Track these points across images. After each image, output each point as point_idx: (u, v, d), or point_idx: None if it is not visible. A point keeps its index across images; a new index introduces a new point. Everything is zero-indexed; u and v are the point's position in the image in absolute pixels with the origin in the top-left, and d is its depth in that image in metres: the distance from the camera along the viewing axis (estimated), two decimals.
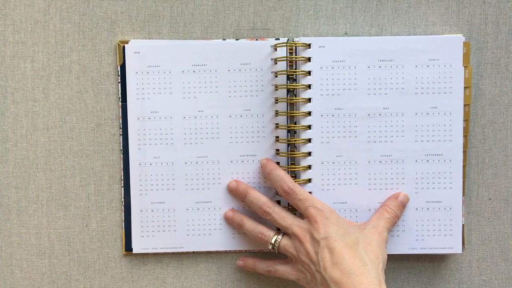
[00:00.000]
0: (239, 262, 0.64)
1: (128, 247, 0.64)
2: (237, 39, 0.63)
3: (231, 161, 0.64)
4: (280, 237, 0.60)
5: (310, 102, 0.62)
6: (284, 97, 0.63)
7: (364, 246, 0.55)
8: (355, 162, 0.62)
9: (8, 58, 0.64)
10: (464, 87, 0.62)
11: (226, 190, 0.64)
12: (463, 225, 0.64)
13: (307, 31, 0.64)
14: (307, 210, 0.58)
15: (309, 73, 0.62)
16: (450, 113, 0.62)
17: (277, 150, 0.63)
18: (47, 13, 0.64)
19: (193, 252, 0.65)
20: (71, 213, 0.65)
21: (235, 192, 0.63)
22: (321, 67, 0.62)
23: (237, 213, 0.63)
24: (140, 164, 0.64)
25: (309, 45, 0.62)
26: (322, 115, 0.62)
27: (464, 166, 0.63)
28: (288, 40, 0.63)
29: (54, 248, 0.65)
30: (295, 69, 0.62)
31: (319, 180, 0.62)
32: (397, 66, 0.62)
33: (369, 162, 0.62)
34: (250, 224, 0.62)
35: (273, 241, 0.60)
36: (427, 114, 0.62)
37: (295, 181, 0.61)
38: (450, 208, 0.63)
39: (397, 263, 0.65)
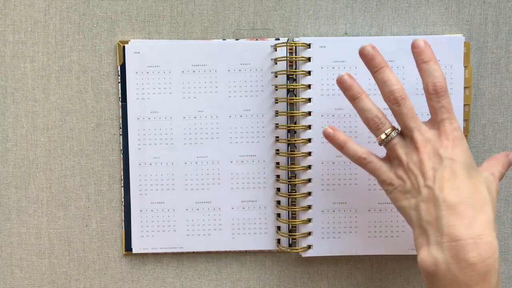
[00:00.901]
0: (328, 129, 0.55)
1: (128, 247, 0.65)
2: (237, 39, 0.63)
3: (231, 161, 0.64)
4: (395, 133, 0.52)
5: (310, 102, 0.62)
6: (284, 97, 0.63)
7: (486, 188, 0.50)
8: None
9: (8, 58, 0.64)
10: (464, 87, 0.62)
11: (226, 190, 0.64)
12: None
13: (307, 31, 0.64)
14: (443, 122, 0.51)
15: (309, 73, 0.62)
16: None
17: (277, 150, 0.63)
18: (47, 13, 0.64)
19: (193, 252, 0.65)
20: (71, 213, 0.65)
21: (370, 60, 0.53)
22: (322, 67, 0.62)
23: (357, 84, 0.54)
24: (140, 164, 0.64)
25: (309, 45, 0.62)
26: (322, 115, 0.62)
27: None
28: (288, 40, 0.63)
29: (54, 248, 0.65)
30: (295, 69, 0.62)
31: (319, 180, 0.62)
32: (397, 67, 0.62)
33: None
34: (370, 103, 0.53)
35: (387, 132, 0.52)
36: (428, 115, 0.62)
37: (295, 182, 0.61)
38: None
39: (397, 264, 0.65)
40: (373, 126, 0.53)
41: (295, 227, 0.64)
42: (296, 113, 0.62)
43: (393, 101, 0.52)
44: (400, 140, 0.52)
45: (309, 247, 0.63)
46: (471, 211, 0.47)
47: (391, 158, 0.53)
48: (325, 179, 0.63)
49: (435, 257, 0.47)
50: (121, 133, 0.64)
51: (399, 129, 0.53)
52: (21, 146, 0.64)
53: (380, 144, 0.53)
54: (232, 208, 0.64)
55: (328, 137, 0.55)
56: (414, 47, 0.52)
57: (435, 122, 0.52)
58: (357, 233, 0.63)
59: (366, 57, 0.53)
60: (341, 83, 0.54)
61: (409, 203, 0.51)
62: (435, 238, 0.47)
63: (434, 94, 0.51)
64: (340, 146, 0.55)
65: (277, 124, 0.63)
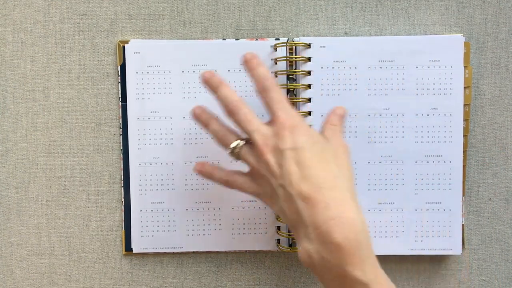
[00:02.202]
0: (197, 167, 0.57)
1: (128, 247, 0.65)
2: (237, 39, 0.63)
3: (231, 161, 0.63)
4: (242, 143, 0.53)
5: (310, 102, 0.62)
6: None
7: (335, 159, 0.50)
8: (355, 163, 0.62)
9: (8, 58, 0.64)
10: (464, 87, 0.62)
11: (225, 190, 0.63)
12: (463, 225, 0.64)
13: (307, 31, 0.64)
14: (277, 113, 0.51)
15: (309, 73, 0.62)
16: (451, 115, 0.62)
17: None
18: (47, 13, 0.64)
19: (193, 252, 0.65)
20: (71, 213, 0.65)
21: (207, 81, 0.55)
22: (322, 67, 0.62)
23: (206, 113, 0.56)
24: (140, 164, 0.64)
25: (309, 45, 0.62)
26: (322, 115, 0.62)
27: (464, 166, 0.63)
28: (288, 40, 0.63)
29: (54, 248, 0.65)
30: (295, 69, 0.62)
31: None
32: (397, 67, 0.62)
33: (368, 162, 0.62)
34: (217, 125, 0.55)
35: (232, 146, 0.53)
36: (427, 115, 0.62)
37: None
38: (450, 210, 0.63)
39: (397, 264, 0.65)
40: (223, 143, 0.54)
41: None
42: None
43: (230, 112, 0.53)
44: (248, 149, 0.53)
45: None
46: (324, 193, 0.47)
47: (251, 170, 0.54)
48: None
49: (307, 249, 0.48)
50: (121, 133, 0.64)
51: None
52: (21, 146, 0.64)
53: (236, 159, 0.54)
54: (232, 208, 0.64)
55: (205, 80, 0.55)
56: (244, 62, 0.54)
57: (271, 117, 0.52)
58: None
59: (203, 80, 0.55)
60: (193, 115, 0.56)
61: (277, 206, 0.52)
62: (304, 232, 0.48)
63: (262, 91, 0.52)
64: (208, 176, 0.57)
65: None
